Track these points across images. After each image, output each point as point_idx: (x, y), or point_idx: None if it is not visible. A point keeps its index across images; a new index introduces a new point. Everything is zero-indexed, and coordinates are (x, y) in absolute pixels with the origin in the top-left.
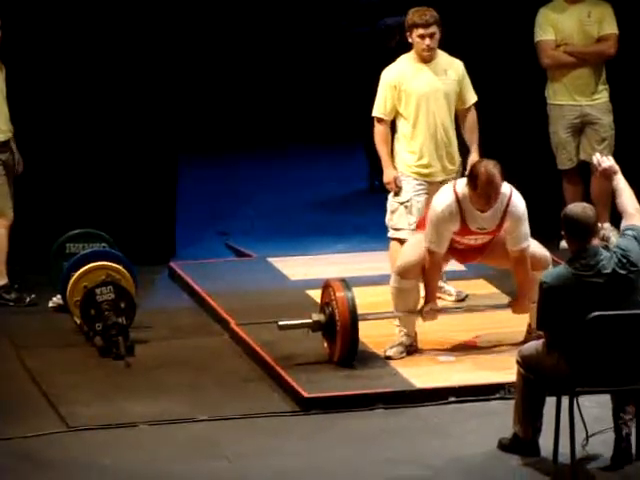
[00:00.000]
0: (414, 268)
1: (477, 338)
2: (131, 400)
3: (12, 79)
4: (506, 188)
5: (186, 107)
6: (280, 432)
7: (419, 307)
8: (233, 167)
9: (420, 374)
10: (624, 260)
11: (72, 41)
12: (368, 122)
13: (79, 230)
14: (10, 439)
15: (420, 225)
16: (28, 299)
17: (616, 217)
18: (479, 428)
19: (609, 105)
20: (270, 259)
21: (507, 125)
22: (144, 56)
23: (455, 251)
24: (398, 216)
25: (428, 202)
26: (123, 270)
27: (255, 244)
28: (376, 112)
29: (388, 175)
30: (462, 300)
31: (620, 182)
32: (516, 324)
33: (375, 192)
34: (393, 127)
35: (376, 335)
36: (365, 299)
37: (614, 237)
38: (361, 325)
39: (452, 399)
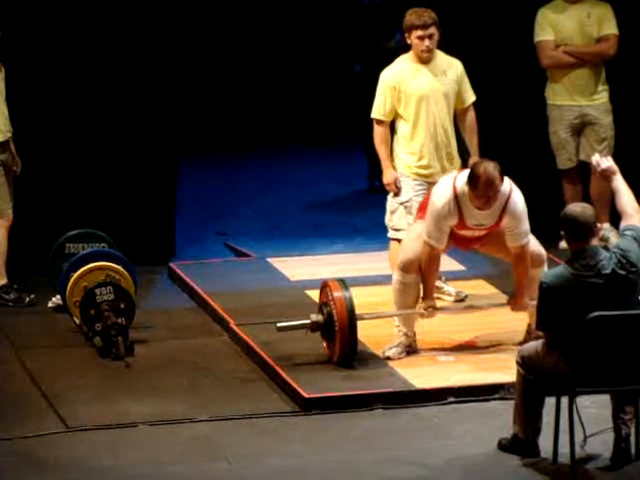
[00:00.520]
0: (417, 262)
1: (476, 338)
2: (131, 400)
3: (12, 80)
4: (506, 185)
5: (186, 108)
6: (280, 432)
7: (418, 305)
8: (233, 167)
9: (419, 374)
10: (623, 260)
11: (72, 42)
12: (368, 123)
13: (78, 230)
14: (10, 439)
15: (421, 209)
16: (27, 299)
17: (616, 217)
18: (478, 428)
19: (609, 105)
20: (269, 259)
21: (507, 125)
22: (144, 57)
23: (454, 238)
24: (398, 216)
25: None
26: (123, 270)
27: (254, 244)
28: (375, 113)
29: (388, 176)
30: (462, 300)
31: (619, 182)
32: (516, 324)
33: (375, 193)
34: (392, 128)
35: (375, 335)
36: (364, 299)
37: (613, 237)
38: (360, 325)
39: (451, 399)
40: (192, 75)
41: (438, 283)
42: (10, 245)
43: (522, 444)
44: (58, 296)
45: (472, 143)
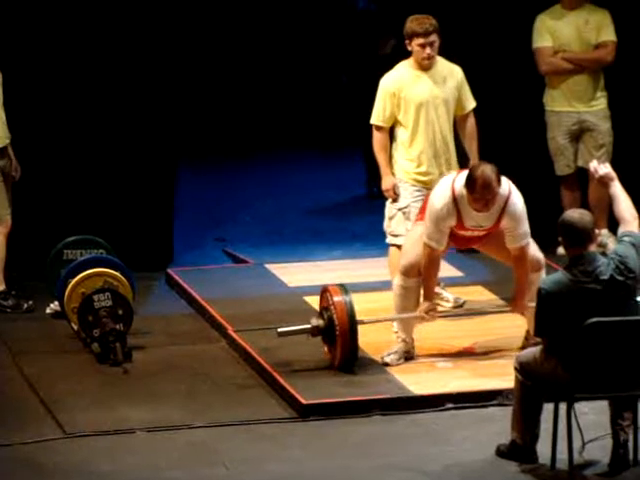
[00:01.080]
0: (418, 265)
1: (475, 344)
2: (129, 406)
3: (10, 86)
4: (505, 186)
5: (184, 113)
6: (278, 438)
7: (419, 308)
8: (231, 173)
9: (418, 380)
10: (621, 266)
11: (70, 47)
12: (367, 129)
13: (76, 237)
14: (8, 445)
15: (421, 212)
16: (26, 305)
17: (614, 224)
18: (477, 434)
19: (607, 112)
20: (268, 265)
21: (505, 131)
22: (142, 63)
23: (453, 238)
24: (396, 222)
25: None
26: (121, 277)
27: (253, 250)
28: (375, 120)
29: (387, 182)
30: (460, 306)
31: (617, 189)
32: (514, 330)
33: (373, 198)
34: (391, 134)
35: (374, 341)
36: (363, 305)
37: (611, 243)
38: (359, 331)
39: (450, 405)
40: (191, 80)
41: (436, 289)
42: (8, 251)
43: (520, 450)
44: (56, 302)
45: (471, 149)
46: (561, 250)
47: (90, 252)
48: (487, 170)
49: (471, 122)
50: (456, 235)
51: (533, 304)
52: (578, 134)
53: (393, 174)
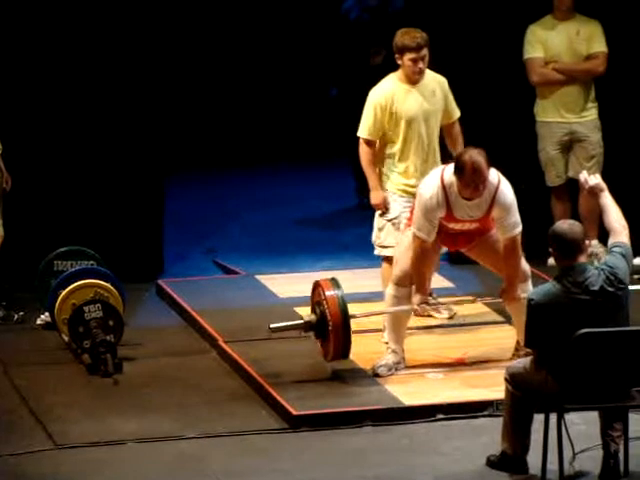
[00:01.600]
0: (411, 274)
1: (465, 355)
2: (119, 418)
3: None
4: (494, 176)
5: (174, 125)
6: (269, 449)
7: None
8: (221, 184)
9: (408, 391)
10: (612, 277)
11: (59, 58)
12: (356, 139)
13: (67, 248)
14: None
15: (410, 218)
16: (16, 317)
17: (604, 234)
18: (467, 445)
19: (598, 122)
20: (258, 276)
21: (496, 142)
22: (131, 74)
23: (443, 236)
24: (385, 233)
25: None
26: (111, 288)
27: (243, 261)
28: (363, 133)
29: (377, 197)
30: (451, 317)
31: (607, 200)
32: (504, 341)
33: (363, 209)
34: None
35: (365, 352)
36: None
37: (602, 254)
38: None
39: (440, 416)
40: (180, 93)
41: (431, 300)
42: None
43: (511, 461)
44: (47, 313)
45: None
46: (551, 261)
47: (80, 263)
48: (474, 154)
49: (457, 129)
50: (445, 230)
51: (524, 295)
52: (569, 145)
53: (383, 187)
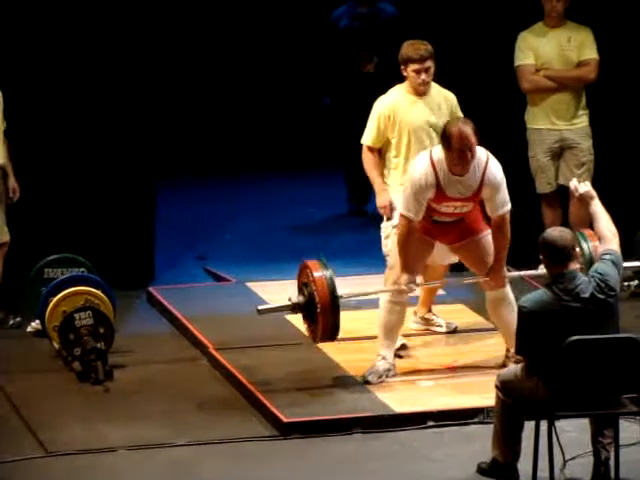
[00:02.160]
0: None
1: (456, 362)
2: (110, 425)
3: None
4: (482, 153)
5: (165, 131)
6: (259, 457)
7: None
8: (212, 191)
9: (399, 398)
10: (602, 284)
11: (50, 64)
12: (349, 147)
13: (57, 255)
14: None
15: None
16: (12, 321)
17: None
18: (458, 452)
19: (588, 130)
20: (249, 284)
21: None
22: (122, 81)
23: (433, 228)
24: (393, 241)
25: None
26: (102, 295)
27: (234, 268)
28: (366, 140)
29: (383, 199)
30: (452, 332)
31: (597, 207)
32: (495, 348)
33: (354, 216)
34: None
35: (355, 360)
36: (345, 324)
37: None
38: (340, 350)
39: (431, 423)
40: (171, 99)
41: (428, 315)
42: None
43: (501, 468)
44: (37, 321)
45: None
46: (542, 268)
47: (71, 270)
48: (460, 122)
49: None
50: (436, 214)
51: (510, 274)
52: (559, 152)
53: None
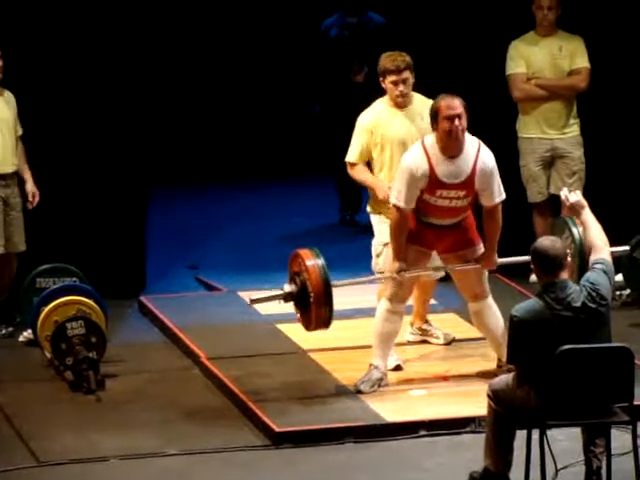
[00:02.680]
0: (404, 291)
1: (448, 372)
2: (102, 434)
3: None
4: (474, 140)
5: (157, 139)
6: (251, 466)
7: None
8: (203, 201)
9: (391, 408)
10: (594, 294)
11: (43, 68)
12: (339, 156)
13: (49, 265)
14: None
15: None
16: (4, 331)
17: None
18: (450, 462)
19: (580, 139)
20: (240, 293)
21: None
22: (113, 89)
23: (429, 233)
24: (384, 259)
25: None
26: (94, 304)
27: (225, 278)
28: (351, 157)
29: (381, 190)
30: (449, 343)
31: (588, 216)
32: (486, 358)
33: (346, 226)
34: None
35: (347, 369)
36: (337, 333)
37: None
38: (331, 358)
39: (423, 433)
40: (163, 108)
41: (425, 326)
42: None
43: (493, 477)
44: (29, 330)
45: None
46: (533, 277)
47: (63, 280)
48: (447, 95)
49: None
50: (431, 210)
51: (502, 260)
52: (550, 161)
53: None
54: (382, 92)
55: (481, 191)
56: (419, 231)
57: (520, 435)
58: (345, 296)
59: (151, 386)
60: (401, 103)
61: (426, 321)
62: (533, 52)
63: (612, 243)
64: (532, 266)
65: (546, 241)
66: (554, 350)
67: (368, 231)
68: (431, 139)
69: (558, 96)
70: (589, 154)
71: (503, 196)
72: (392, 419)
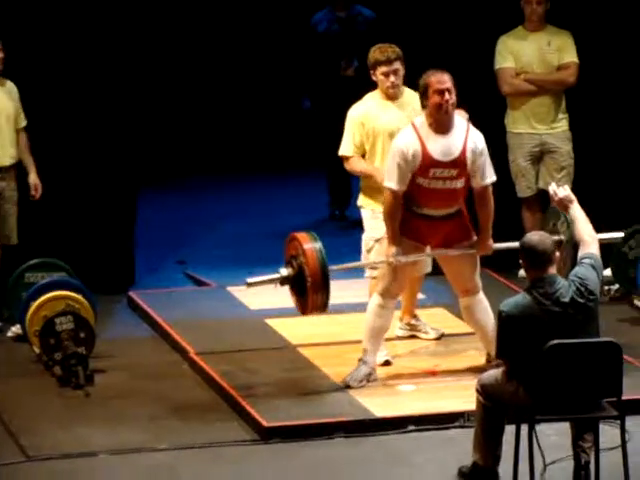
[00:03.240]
0: (397, 286)
1: (436, 367)
2: (91, 429)
3: None
4: (463, 120)
5: (146, 135)
6: (240, 461)
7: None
8: (193, 196)
9: (380, 403)
10: (582, 289)
11: (30, 67)
12: (329, 151)
13: (38, 260)
14: None
15: None
16: None
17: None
18: (439, 456)
19: (568, 134)
20: (229, 288)
21: None
22: (102, 86)
23: (423, 225)
24: (375, 254)
25: None
26: (82, 299)
27: (214, 273)
28: (344, 151)
29: (381, 174)
30: (438, 338)
31: (576, 211)
32: (475, 352)
33: (335, 220)
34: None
35: (336, 364)
36: (326, 328)
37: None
38: (320, 353)
39: (412, 427)
40: (151, 103)
41: (414, 321)
42: None
43: (482, 472)
44: (18, 325)
45: None
46: (522, 272)
47: (51, 275)
48: (437, 70)
49: None
50: (425, 192)
51: (498, 245)
52: (539, 156)
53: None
54: (372, 86)
55: (472, 172)
56: (414, 225)
57: (509, 430)
58: (334, 291)
59: (140, 381)
60: (392, 94)
61: (415, 316)
62: (522, 47)
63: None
64: (521, 261)
65: (535, 236)
66: (543, 345)
67: (358, 226)
68: (421, 119)
69: (547, 91)
70: (578, 149)
71: (494, 178)
72: (381, 414)
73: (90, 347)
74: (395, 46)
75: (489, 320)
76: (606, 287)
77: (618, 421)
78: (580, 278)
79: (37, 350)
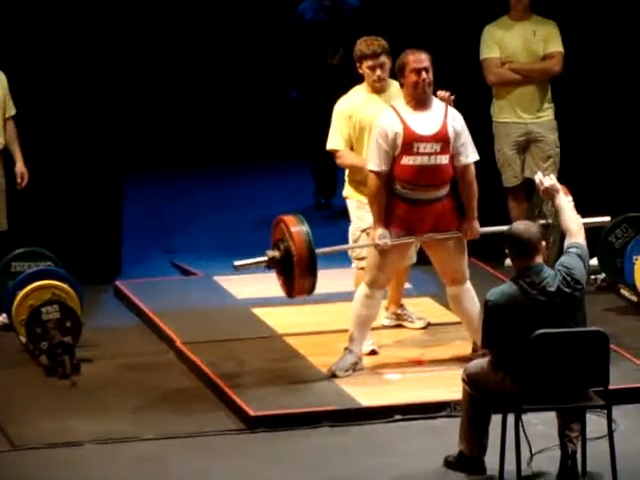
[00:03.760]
0: (384, 277)
1: (423, 356)
2: (77, 419)
3: None
4: (441, 103)
5: (132, 124)
6: (226, 450)
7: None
8: (179, 185)
9: (366, 392)
10: (568, 278)
11: (20, 58)
12: (315, 140)
13: (24, 249)
14: None
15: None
16: None
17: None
18: (425, 446)
19: (554, 123)
20: (216, 277)
21: None
22: (87, 75)
23: (410, 211)
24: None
25: None
26: (69, 289)
27: (201, 262)
28: (332, 145)
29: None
30: (424, 328)
31: (562, 201)
32: (461, 342)
33: (320, 210)
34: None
35: (322, 353)
36: (312, 317)
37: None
38: (307, 343)
39: (398, 417)
40: (138, 92)
41: (400, 311)
42: None
43: (468, 461)
44: (4, 315)
45: None
46: (508, 262)
47: (38, 264)
48: (415, 49)
49: None
50: (411, 174)
51: (485, 229)
52: (525, 145)
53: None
54: (358, 76)
55: (455, 150)
56: (402, 214)
57: (495, 419)
58: (320, 279)
59: (126, 371)
60: (378, 88)
61: (401, 306)
62: (507, 36)
63: (586, 228)
64: (507, 250)
65: (520, 225)
66: (529, 334)
67: (344, 215)
68: (399, 100)
69: (532, 80)
70: (563, 138)
71: (477, 157)
72: (367, 403)
73: (76, 336)
74: (381, 39)
75: (476, 309)
76: (592, 276)
77: (605, 410)
78: (566, 267)
79: (23, 339)
